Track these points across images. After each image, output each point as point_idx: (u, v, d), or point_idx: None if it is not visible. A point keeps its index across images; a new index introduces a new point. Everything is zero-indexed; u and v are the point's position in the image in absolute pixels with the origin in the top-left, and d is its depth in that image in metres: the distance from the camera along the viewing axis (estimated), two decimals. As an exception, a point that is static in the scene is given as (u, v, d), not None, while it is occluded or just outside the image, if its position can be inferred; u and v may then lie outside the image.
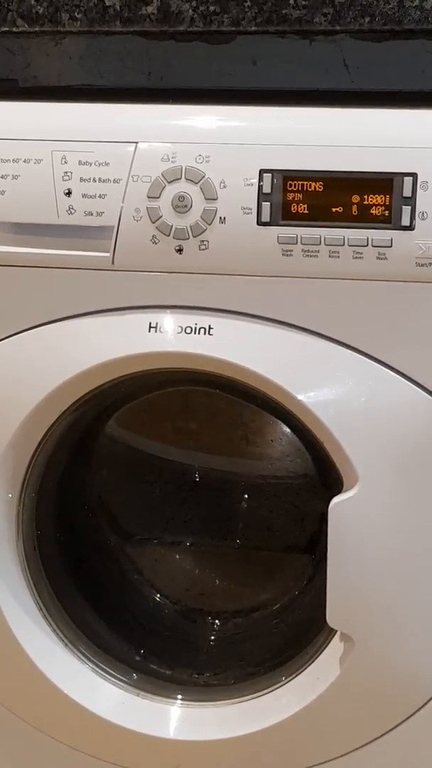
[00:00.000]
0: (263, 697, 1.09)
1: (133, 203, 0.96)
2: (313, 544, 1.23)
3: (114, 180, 0.96)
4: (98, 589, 1.22)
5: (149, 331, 1.00)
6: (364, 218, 0.93)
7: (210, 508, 1.29)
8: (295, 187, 0.94)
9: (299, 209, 0.94)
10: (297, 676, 1.07)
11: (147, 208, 0.96)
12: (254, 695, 1.10)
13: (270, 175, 0.94)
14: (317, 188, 0.94)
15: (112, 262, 0.98)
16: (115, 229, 0.97)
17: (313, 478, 1.18)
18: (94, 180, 0.97)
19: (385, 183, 0.93)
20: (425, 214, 0.92)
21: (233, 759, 1.09)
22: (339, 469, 0.99)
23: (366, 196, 0.93)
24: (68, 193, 0.97)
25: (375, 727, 1.05)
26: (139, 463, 1.27)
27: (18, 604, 1.09)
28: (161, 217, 0.96)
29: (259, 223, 0.95)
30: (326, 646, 1.05)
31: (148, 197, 0.96)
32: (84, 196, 0.97)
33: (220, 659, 1.21)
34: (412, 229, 0.92)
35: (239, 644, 1.23)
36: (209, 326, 0.99)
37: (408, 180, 0.92)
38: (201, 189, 0.95)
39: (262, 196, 0.94)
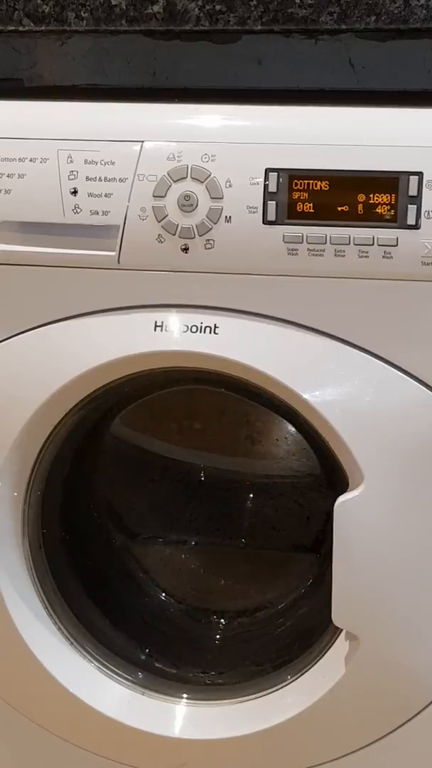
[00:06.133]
0: (268, 696, 1.09)
1: (138, 202, 0.96)
2: (318, 543, 1.23)
3: (120, 179, 0.96)
4: (103, 587, 1.22)
5: (155, 330, 1.00)
6: (370, 217, 0.93)
7: (215, 508, 1.30)
8: (300, 186, 0.94)
9: (305, 208, 0.94)
10: (302, 675, 1.07)
11: (153, 207, 0.96)
12: (259, 694, 1.10)
13: (276, 174, 0.94)
14: (323, 187, 0.94)
15: (118, 261, 0.98)
16: (121, 228, 0.97)
17: (318, 477, 1.18)
18: (100, 179, 0.97)
19: (390, 182, 0.93)
20: (431, 213, 0.92)
21: (238, 758, 1.09)
22: (344, 468, 0.99)
23: (372, 195, 0.93)
24: (74, 192, 0.97)
25: (380, 725, 1.05)
26: (144, 463, 1.28)
27: (23, 603, 1.09)
28: (167, 216, 0.96)
29: (265, 222, 0.95)
30: (331, 645, 1.05)
31: (154, 196, 0.96)
32: (90, 195, 0.97)
33: (226, 658, 1.21)
34: (418, 228, 0.92)
35: (244, 643, 1.23)
36: (215, 325, 0.99)
37: (414, 179, 0.92)
38: (207, 188, 0.95)
39: (267, 195, 0.94)
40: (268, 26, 1.01)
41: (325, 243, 0.94)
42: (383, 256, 0.94)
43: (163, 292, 0.99)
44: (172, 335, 0.99)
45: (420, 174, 0.92)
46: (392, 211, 0.93)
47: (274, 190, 0.94)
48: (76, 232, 0.98)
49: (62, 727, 1.12)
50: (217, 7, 1.01)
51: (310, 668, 1.07)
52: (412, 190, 0.92)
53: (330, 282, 0.96)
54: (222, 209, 0.95)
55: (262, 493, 1.27)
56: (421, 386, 0.97)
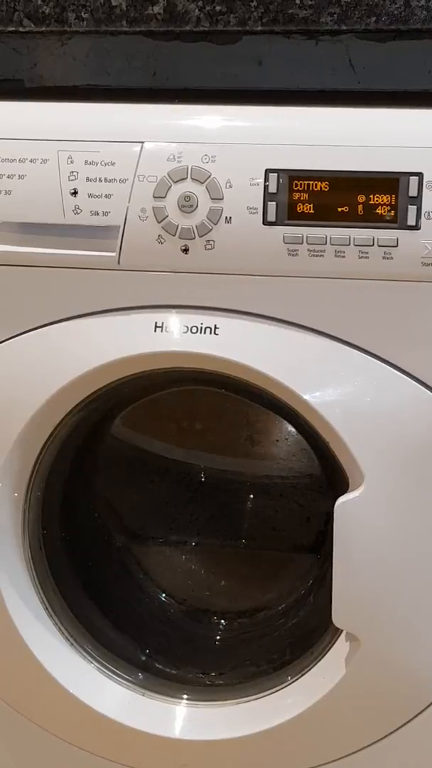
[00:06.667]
0: (269, 696, 1.09)
1: (139, 203, 0.96)
2: (318, 544, 1.23)
3: (120, 180, 0.96)
4: (104, 588, 1.22)
5: (155, 330, 1.00)
6: (370, 218, 0.93)
7: (215, 508, 1.30)
8: (300, 186, 0.94)
9: (305, 209, 0.94)
10: (303, 675, 1.07)
11: (153, 207, 0.96)
12: (260, 695, 1.10)
13: (276, 174, 0.94)
14: (323, 188, 0.94)
15: (118, 262, 0.98)
16: (121, 229, 0.97)
17: (318, 478, 1.18)
18: (100, 180, 0.97)
19: (390, 183, 0.93)
20: (431, 214, 0.92)
21: (239, 759, 1.09)
22: (345, 468, 0.99)
23: (372, 196, 0.93)
24: (74, 193, 0.97)
25: (381, 726, 1.05)
26: (144, 463, 1.28)
27: (24, 603, 1.09)
28: (167, 216, 0.96)
29: (265, 222, 0.95)
30: (332, 646, 1.05)
31: (154, 197, 0.96)
32: (90, 195, 0.97)
33: (226, 659, 1.21)
34: (418, 228, 0.92)
35: (245, 644, 1.23)
36: (215, 326, 0.99)
37: (414, 180, 0.92)
38: (207, 189, 0.95)
39: (267, 195, 0.94)
40: (269, 27, 1.01)
41: (326, 244, 0.94)
42: (383, 257, 0.94)
43: (163, 293, 0.99)
44: (172, 336, 0.99)
45: (420, 175, 0.92)
46: (392, 211, 0.93)
47: (275, 190, 0.94)
48: (77, 232, 0.98)
49: (62, 728, 1.12)
50: (218, 8, 1.01)
51: (310, 669, 1.07)
52: (413, 191, 0.92)
53: (330, 283, 0.96)
54: (222, 210, 0.95)
55: (263, 493, 1.27)
56: (421, 386, 0.97)
